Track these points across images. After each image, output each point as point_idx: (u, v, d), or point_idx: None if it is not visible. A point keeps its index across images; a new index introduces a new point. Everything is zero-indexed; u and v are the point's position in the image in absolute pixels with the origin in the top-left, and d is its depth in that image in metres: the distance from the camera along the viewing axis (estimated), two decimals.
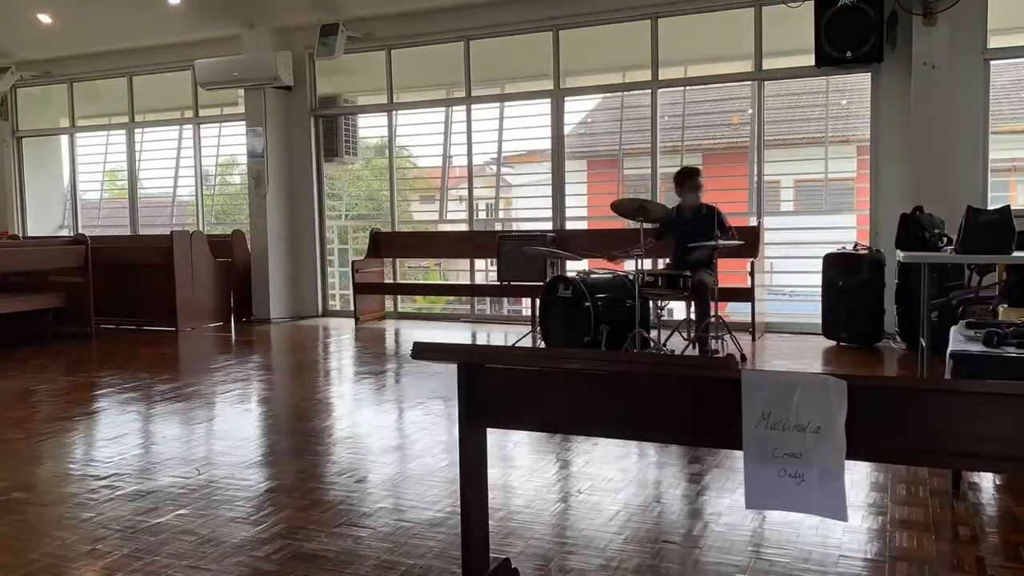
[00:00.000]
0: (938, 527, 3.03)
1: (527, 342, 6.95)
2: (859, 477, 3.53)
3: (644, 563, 2.76)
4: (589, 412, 2.26)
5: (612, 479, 3.62)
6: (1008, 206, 4.41)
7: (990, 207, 5.39)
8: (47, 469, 3.96)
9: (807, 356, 6.55)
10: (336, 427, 4.69)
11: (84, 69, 10.56)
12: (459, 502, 2.42)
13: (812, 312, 7.40)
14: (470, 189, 9.07)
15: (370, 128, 9.99)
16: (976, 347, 3.28)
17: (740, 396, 1.95)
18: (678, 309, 6.99)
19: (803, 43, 7.15)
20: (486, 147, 9.16)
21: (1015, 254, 4.36)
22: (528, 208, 9.58)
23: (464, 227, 9.23)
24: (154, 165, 10.93)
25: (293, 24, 9.00)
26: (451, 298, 9.80)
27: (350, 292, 9.07)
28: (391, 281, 9.42)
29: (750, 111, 8.00)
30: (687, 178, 6.46)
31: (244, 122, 9.37)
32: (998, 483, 3.50)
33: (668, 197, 7.66)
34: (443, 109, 9.22)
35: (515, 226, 9.38)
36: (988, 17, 6.75)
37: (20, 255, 8.01)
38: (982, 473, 3.53)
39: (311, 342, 8.00)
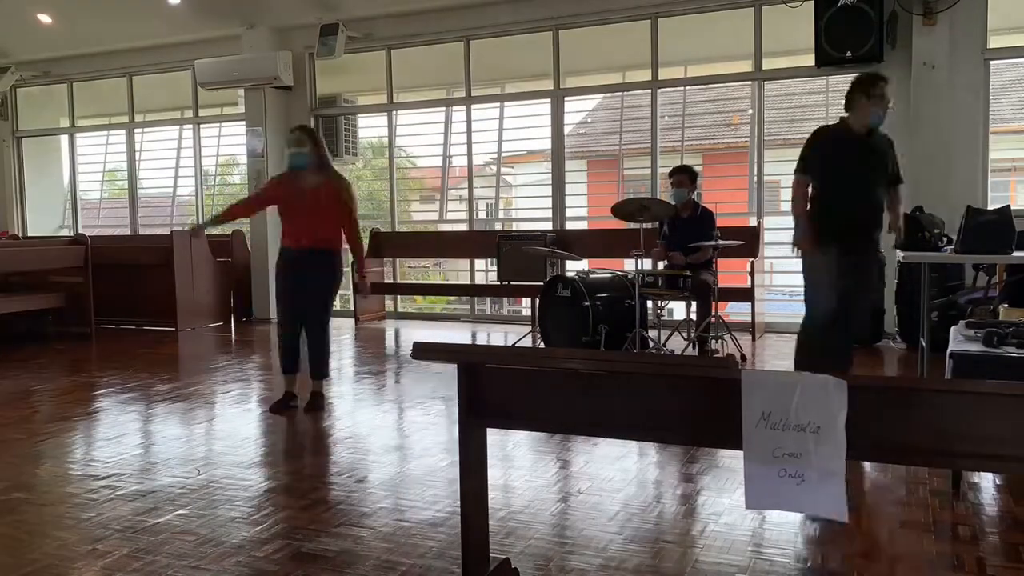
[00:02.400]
0: (938, 527, 3.03)
1: (527, 342, 6.94)
2: (859, 477, 3.53)
3: (644, 563, 2.76)
4: (589, 412, 2.26)
5: (612, 479, 3.62)
6: (1008, 206, 4.41)
7: (990, 207, 5.39)
8: (47, 469, 3.96)
9: None
10: (336, 427, 4.69)
11: (84, 69, 10.56)
12: (459, 502, 2.42)
13: None
14: (470, 189, 9.07)
15: (370, 128, 9.99)
16: (976, 347, 3.28)
17: (740, 396, 1.95)
18: (678, 309, 6.99)
19: (803, 43, 7.15)
20: (486, 147, 9.16)
21: (1015, 254, 4.36)
22: (528, 208, 9.57)
23: (464, 227, 9.23)
24: (154, 165, 10.93)
25: (293, 24, 9.00)
26: (451, 298, 9.79)
27: (350, 292, 9.07)
28: (391, 281, 9.42)
29: (750, 111, 8.00)
30: (671, 175, 6.51)
31: (244, 122, 9.37)
32: (998, 483, 3.50)
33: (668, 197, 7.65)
34: (443, 109, 9.22)
35: (515, 226, 9.38)
36: (988, 17, 6.75)
37: (20, 255, 8.01)
38: (982, 473, 3.53)
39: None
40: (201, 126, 10.25)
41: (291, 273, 4.87)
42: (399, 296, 9.47)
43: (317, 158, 4.87)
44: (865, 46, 6.82)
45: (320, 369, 5.04)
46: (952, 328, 3.69)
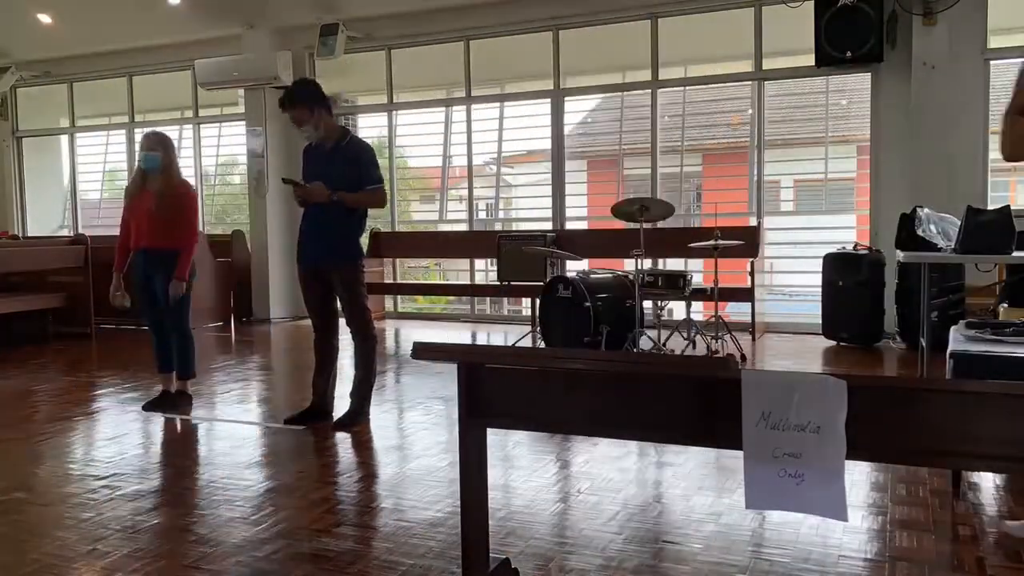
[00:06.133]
0: (938, 527, 3.03)
1: (527, 342, 6.94)
2: (859, 477, 3.53)
3: (644, 563, 2.76)
4: (589, 412, 2.26)
5: (612, 479, 3.62)
6: (1008, 206, 4.40)
7: (990, 207, 5.39)
8: (47, 469, 3.96)
9: (807, 356, 6.55)
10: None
11: (84, 69, 10.56)
12: (459, 502, 2.42)
13: (812, 312, 7.40)
14: (470, 189, 9.07)
15: (370, 128, 9.99)
16: (976, 347, 3.28)
17: (740, 396, 1.95)
18: (678, 309, 6.99)
19: (803, 43, 7.15)
20: (486, 147, 9.16)
21: (1015, 254, 4.36)
22: (528, 208, 9.57)
23: (464, 227, 9.23)
24: None
25: (293, 24, 9.00)
26: (451, 298, 9.79)
27: None
28: (391, 281, 9.42)
29: (750, 111, 8.00)
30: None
31: (244, 122, 9.37)
32: (998, 483, 3.50)
33: (669, 197, 7.66)
34: (443, 109, 9.22)
35: (515, 226, 9.37)
36: (988, 17, 6.75)
37: (20, 255, 8.01)
38: (982, 473, 3.53)
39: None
40: (201, 126, 10.25)
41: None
42: (399, 296, 9.47)
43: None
44: (865, 46, 6.82)
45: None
46: (952, 328, 3.69)
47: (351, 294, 4.63)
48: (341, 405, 4.70)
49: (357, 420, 4.58)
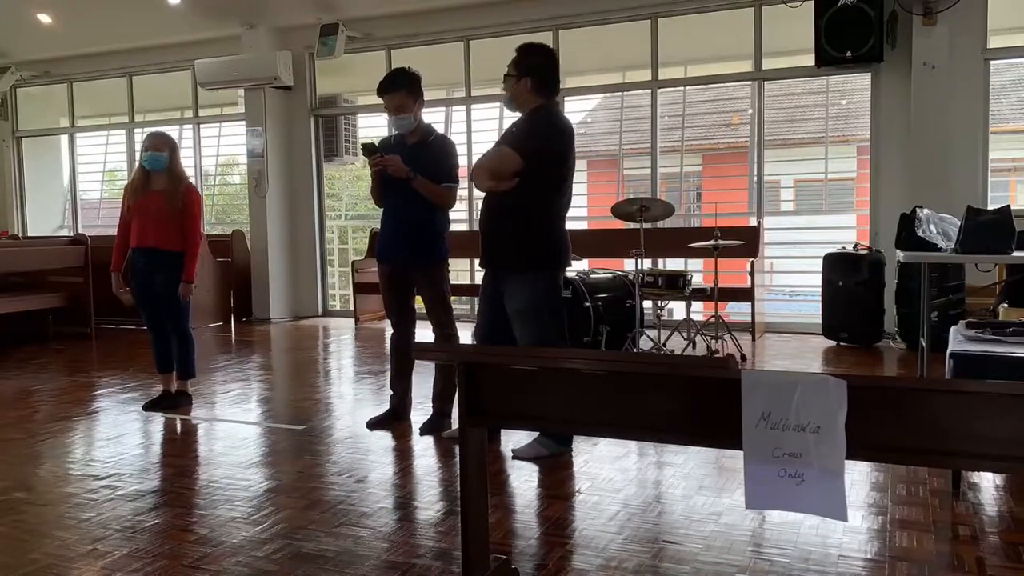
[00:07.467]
0: (938, 527, 3.03)
1: None
2: (859, 477, 3.53)
3: (644, 563, 2.76)
4: (589, 412, 2.25)
5: (612, 479, 3.62)
6: (1008, 206, 4.41)
7: (990, 207, 5.39)
8: (47, 469, 3.96)
9: (807, 356, 6.55)
10: (336, 427, 4.69)
11: (84, 69, 10.56)
12: (459, 502, 2.42)
13: (812, 312, 7.41)
14: (470, 189, 9.06)
15: (370, 128, 9.99)
16: (976, 347, 3.28)
17: (740, 396, 1.95)
18: (678, 309, 6.99)
19: (803, 43, 7.15)
20: (486, 147, 9.11)
21: (1015, 254, 4.36)
22: None
23: (464, 227, 9.23)
24: None
25: (293, 24, 9.01)
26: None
27: (350, 292, 9.07)
28: None
29: (750, 111, 8.00)
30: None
31: (244, 122, 9.37)
32: (998, 483, 3.50)
33: (669, 196, 7.66)
34: (443, 109, 9.22)
35: None
36: (988, 17, 6.75)
37: (20, 255, 8.01)
38: (982, 473, 3.53)
39: (311, 342, 7.99)
40: (201, 126, 10.25)
41: None
42: None
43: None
44: (865, 46, 6.82)
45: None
46: (952, 328, 3.69)
47: (438, 295, 4.57)
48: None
49: (444, 424, 4.44)
